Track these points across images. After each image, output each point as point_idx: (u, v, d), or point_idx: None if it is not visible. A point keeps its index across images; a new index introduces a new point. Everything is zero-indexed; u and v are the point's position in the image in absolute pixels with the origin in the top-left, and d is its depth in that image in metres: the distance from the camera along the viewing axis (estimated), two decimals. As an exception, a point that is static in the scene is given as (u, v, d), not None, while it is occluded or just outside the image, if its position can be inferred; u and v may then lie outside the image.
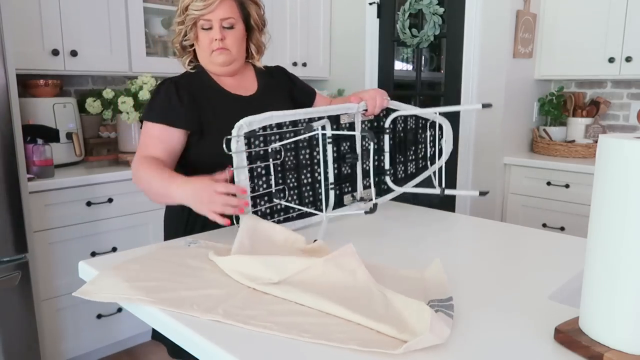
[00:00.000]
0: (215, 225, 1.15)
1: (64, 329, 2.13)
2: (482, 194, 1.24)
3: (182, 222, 1.36)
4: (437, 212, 1.44)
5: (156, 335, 1.34)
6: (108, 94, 2.32)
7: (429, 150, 1.49)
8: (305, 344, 0.71)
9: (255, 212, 1.17)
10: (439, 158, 1.45)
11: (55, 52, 2.19)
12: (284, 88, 1.51)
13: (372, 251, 1.11)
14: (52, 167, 2.08)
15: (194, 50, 1.38)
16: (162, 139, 1.27)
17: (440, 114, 1.40)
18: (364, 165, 1.37)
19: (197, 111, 1.31)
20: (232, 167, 1.12)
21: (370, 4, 3.10)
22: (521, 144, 2.90)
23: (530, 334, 0.73)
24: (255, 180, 1.17)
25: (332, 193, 1.30)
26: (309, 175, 1.28)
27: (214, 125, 1.30)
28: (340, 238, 1.20)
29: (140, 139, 1.31)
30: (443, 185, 1.33)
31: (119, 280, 0.91)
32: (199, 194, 1.07)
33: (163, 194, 1.17)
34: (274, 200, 1.21)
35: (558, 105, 2.92)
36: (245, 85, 1.44)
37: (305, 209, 1.24)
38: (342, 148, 1.32)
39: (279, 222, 1.22)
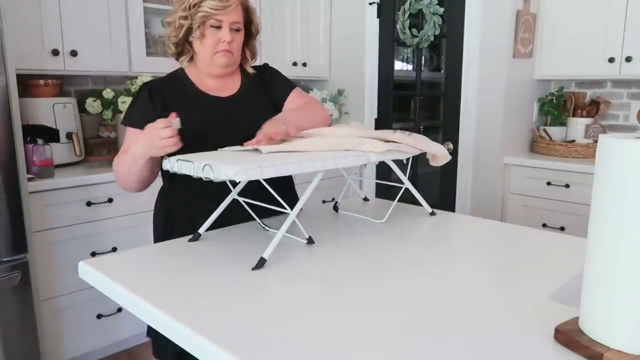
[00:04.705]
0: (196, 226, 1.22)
1: (64, 329, 2.13)
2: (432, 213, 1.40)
3: (161, 224, 1.41)
4: (437, 211, 1.44)
5: (150, 333, 1.35)
6: (108, 94, 2.32)
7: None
8: (303, 342, 0.71)
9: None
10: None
11: (55, 52, 2.19)
12: (264, 89, 1.48)
13: (371, 250, 1.11)
14: (52, 167, 2.08)
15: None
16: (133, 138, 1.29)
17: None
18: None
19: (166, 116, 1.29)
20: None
21: (370, 4, 3.10)
22: (521, 144, 2.90)
23: (530, 334, 0.73)
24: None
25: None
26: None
27: (185, 126, 1.26)
28: (336, 237, 1.20)
29: (123, 142, 1.35)
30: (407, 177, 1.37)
31: None
32: (151, 140, 1.16)
33: (130, 162, 1.25)
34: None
35: (558, 105, 2.92)
36: (227, 86, 1.42)
37: (269, 206, 1.21)
38: None
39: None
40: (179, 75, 1.40)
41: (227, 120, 1.36)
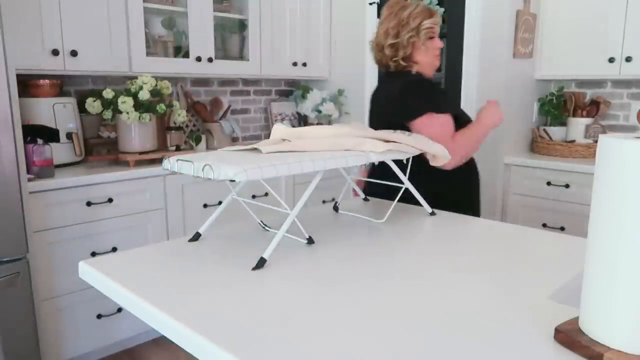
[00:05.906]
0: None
1: (64, 329, 2.13)
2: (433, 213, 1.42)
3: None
4: (437, 211, 1.44)
5: None
6: (108, 94, 2.32)
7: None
8: (303, 342, 0.71)
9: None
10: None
11: (55, 52, 2.19)
12: None
13: (371, 250, 1.11)
14: (52, 167, 2.08)
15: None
16: (452, 124, 1.61)
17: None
18: None
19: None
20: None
21: (370, 4, 3.10)
22: (521, 144, 2.90)
23: (530, 334, 0.73)
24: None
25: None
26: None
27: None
28: (336, 237, 1.20)
29: (437, 130, 1.55)
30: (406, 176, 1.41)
31: None
32: (498, 116, 1.64)
33: (482, 134, 1.63)
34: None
35: (558, 105, 2.92)
36: None
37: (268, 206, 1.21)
38: None
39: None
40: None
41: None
